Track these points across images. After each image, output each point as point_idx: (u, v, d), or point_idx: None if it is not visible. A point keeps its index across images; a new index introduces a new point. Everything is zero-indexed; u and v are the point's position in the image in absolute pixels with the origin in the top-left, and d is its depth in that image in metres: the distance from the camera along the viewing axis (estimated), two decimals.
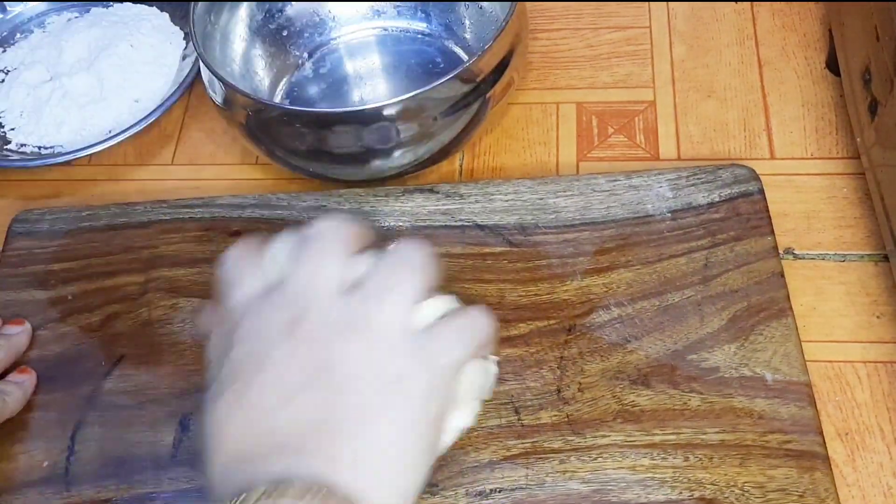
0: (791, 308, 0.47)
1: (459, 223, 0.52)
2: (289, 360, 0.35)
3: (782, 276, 0.48)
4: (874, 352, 0.48)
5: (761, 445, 0.43)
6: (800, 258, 0.52)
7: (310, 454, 0.34)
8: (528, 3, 0.59)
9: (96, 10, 0.69)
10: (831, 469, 0.42)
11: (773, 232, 0.50)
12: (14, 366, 0.50)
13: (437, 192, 0.53)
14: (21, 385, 0.48)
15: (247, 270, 0.39)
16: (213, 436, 0.35)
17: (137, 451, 0.46)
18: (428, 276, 0.38)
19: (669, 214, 0.51)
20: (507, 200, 0.53)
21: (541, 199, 0.52)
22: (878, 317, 0.49)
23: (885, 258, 0.51)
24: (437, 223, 0.52)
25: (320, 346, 0.36)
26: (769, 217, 0.50)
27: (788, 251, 0.52)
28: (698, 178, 0.52)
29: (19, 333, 0.50)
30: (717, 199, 0.51)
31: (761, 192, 0.51)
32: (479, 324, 0.38)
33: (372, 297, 0.37)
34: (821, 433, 0.43)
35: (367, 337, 0.36)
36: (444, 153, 0.55)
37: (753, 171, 0.52)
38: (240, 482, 0.33)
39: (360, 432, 0.34)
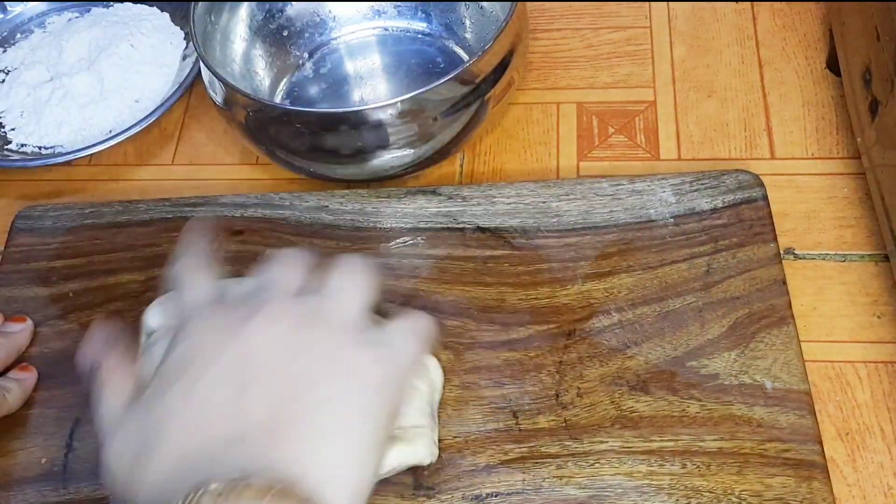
0: (792, 316, 0.47)
1: (461, 225, 0.52)
2: (240, 353, 0.35)
3: (784, 283, 0.48)
4: (874, 352, 0.48)
5: (759, 454, 0.43)
6: (800, 258, 0.52)
7: (263, 448, 0.33)
8: (528, 3, 0.59)
9: (96, 10, 0.69)
10: (830, 478, 0.42)
11: (775, 239, 0.50)
12: (15, 363, 0.50)
13: (440, 194, 0.53)
14: (21, 382, 0.48)
15: (203, 274, 0.40)
16: (152, 439, 0.34)
17: None
18: (373, 281, 0.40)
19: (672, 219, 0.51)
20: (509, 203, 0.53)
21: (543, 202, 0.52)
22: (878, 317, 0.49)
23: (886, 258, 0.51)
24: (439, 225, 0.52)
25: (273, 338, 0.36)
26: (772, 224, 0.50)
27: (789, 251, 0.52)
28: (702, 184, 0.52)
29: (21, 331, 0.51)
30: (720, 205, 0.51)
31: (765, 198, 0.51)
32: (424, 323, 0.41)
33: (327, 296, 0.38)
34: (820, 442, 0.43)
35: (321, 330, 0.37)
36: (445, 153, 0.55)
37: (757, 176, 0.52)
38: (186, 484, 0.31)
39: (313, 424, 0.34)
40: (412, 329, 0.40)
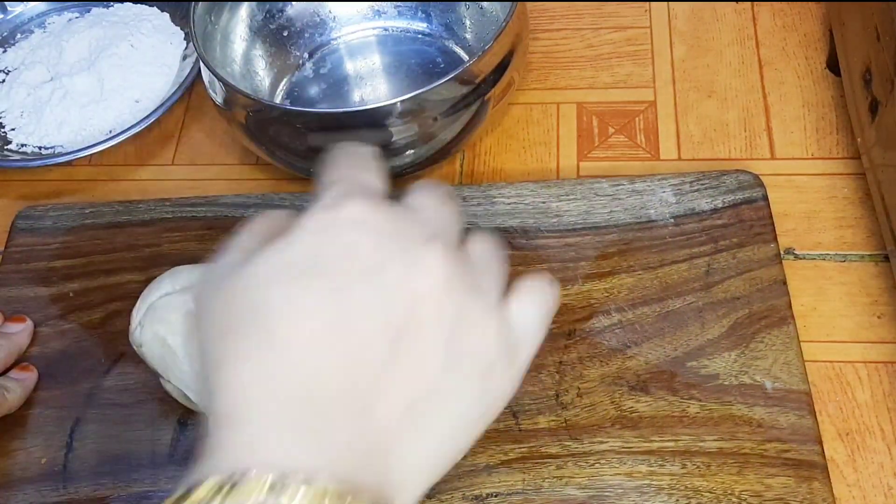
0: (793, 316, 0.47)
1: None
2: (408, 297, 0.29)
3: (784, 283, 0.48)
4: (874, 352, 0.48)
5: (759, 454, 0.43)
6: (800, 258, 0.52)
7: (367, 434, 0.28)
8: (528, 3, 0.59)
9: (97, 11, 0.69)
10: (830, 479, 0.42)
11: (776, 239, 0.50)
12: (15, 363, 0.50)
13: None
14: (22, 382, 0.48)
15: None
16: (272, 324, 0.28)
17: (135, 449, 0.46)
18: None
19: (672, 220, 0.51)
20: (509, 203, 0.53)
21: (543, 202, 0.52)
22: (878, 317, 0.49)
23: (886, 258, 0.51)
24: None
25: (441, 300, 0.30)
26: (772, 224, 0.50)
27: (789, 251, 0.52)
28: (702, 184, 0.52)
29: (21, 331, 0.51)
30: (720, 205, 0.51)
31: (765, 198, 0.51)
32: (552, 298, 0.35)
33: (482, 270, 0.33)
34: (820, 442, 0.43)
35: (479, 315, 0.31)
36: (445, 153, 0.55)
37: (758, 177, 0.52)
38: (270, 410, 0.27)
39: (425, 427, 0.29)
40: (544, 311, 0.34)
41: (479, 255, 0.34)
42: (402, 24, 0.64)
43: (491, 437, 0.45)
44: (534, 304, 0.34)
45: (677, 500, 0.42)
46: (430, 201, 0.34)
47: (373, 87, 0.62)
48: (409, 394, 0.29)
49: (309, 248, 0.30)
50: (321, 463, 0.27)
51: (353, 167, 0.35)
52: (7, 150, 0.62)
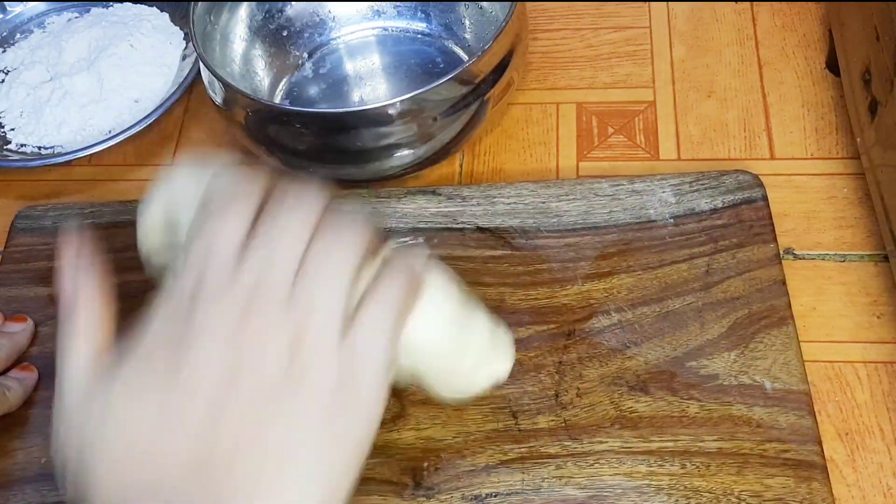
0: (792, 316, 0.47)
1: (461, 226, 0.52)
2: (234, 351, 0.31)
3: (784, 283, 0.48)
4: (874, 352, 0.48)
5: (759, 454, 0.43)
6: (800, 258, 0.52)
7: (222, 482, 0.30)
8: (528, 3, 0.59)
9: (96, 11, 0.69)
10: (829, 479, 0.42)
11: (775, 239, 0.50)
12: (16, 362, 0.50)
13: (439, 195, 0.53)
14: (22, 381, 0.48)
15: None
16: (112, 435, 0.31)
17: None
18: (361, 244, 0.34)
19: (672, 220, 0.51)
20: (508, 203, 0.53)
21: (543, 202, 0.52)
22: (878, 317, 0.49)
23: (885, 258, 0.51)
24: (439, 225, 0.52)
25: (267, 346, 0.31)
26: (772, 224, 0.50)
27: (788, 251, 0.52)
28: (702, 184, 0.52)
29: (21, 331, 0.51)
30: (720, 206, 0.51)
31: (765, 198, 0.51)
32: (400, 305, 0.34)
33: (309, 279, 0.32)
34: (819, 443, 0.43)
35: (313, 349, 0.32)
36: (444, 153, 0.55)
37: (757, 177, 0.52)
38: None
39: (280, 463, 0.30)
40: (384, 342, 0.33)
41: (316, 275, 0.33)
42: (402, 23, 0.64)
43: (490, 437, 0.45)
44: (374, 328, 0.33)
45: (676, 501, 0.42)
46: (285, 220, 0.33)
47: (372, 87, 0.62)
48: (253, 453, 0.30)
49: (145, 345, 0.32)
50: None
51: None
52: (6, 150, 0.62)
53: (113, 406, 0.31)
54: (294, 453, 0.31)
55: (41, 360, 0.50)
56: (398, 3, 0.64)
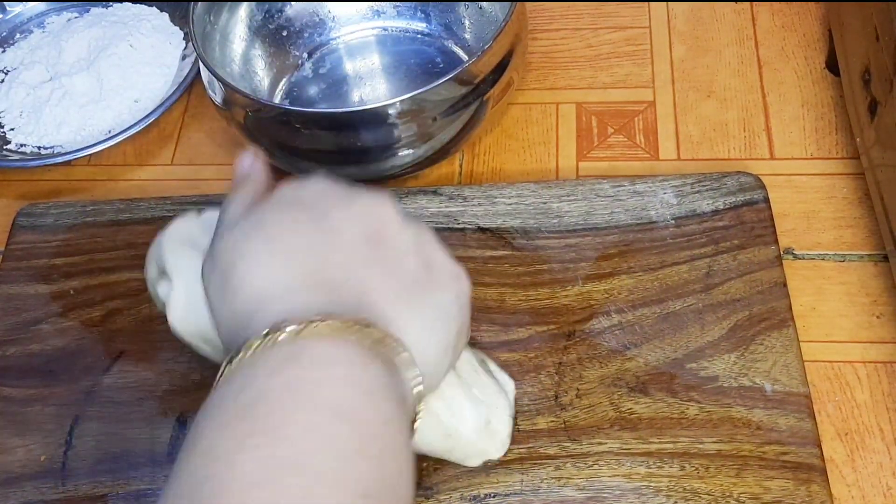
0: (793, 319, 0.47)
1: (462, 226, 0.52)
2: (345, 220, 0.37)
3: (785, 285, 0.48)
4: (874, 352, 0.48)
5: (758, 456, 0.43)
6: (800, 258, 0.52)
7: (354, 291, 0.35)
8: (527, 3, 0.59)
9: (96, 10, 0.69)
10: (828, 481, 0.42)
11: (776, 241, 0.50)
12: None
13: (441, 195, 0.53)
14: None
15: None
16: (257, 249, 0.35)
17: (134, 447, 0.46)
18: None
19: (673, 221, 0.51)
20: (510, 204, 0.53)
21: (544, 202, 0.52)
22: (877, 317, 0.49)
23: (885, 258, 0.51)
24: (440, 225, 0.52)
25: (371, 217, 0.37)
26: (773, 226, 0.50)
27: (788, 251, 0.52)
28: (703, 186, 0.52)
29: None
30: (721, 207, 0.51)
31: (766, 200, 0.51)
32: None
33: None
34: (818, 445, 0.43)
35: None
36: (444, 153, 0.55)
37: (759, 179, 0.52)
38: (267, 314, 0.33)
39: (414, 306, 0.36)
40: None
41: None
42: (402, 24, 0.64)
43: None
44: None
45: (675, 502, 0.42)
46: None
47: (372, 87, 0.62)
48: (394, 286, 0.36)
49: (291, 194, 0.38)
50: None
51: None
52: (6, 149, 0.62)
53: (266, 223, 0.36)
54: (421, 312, 0.36)
55: (40, 357, 0.50)
56: (398, 3, 0.64)
